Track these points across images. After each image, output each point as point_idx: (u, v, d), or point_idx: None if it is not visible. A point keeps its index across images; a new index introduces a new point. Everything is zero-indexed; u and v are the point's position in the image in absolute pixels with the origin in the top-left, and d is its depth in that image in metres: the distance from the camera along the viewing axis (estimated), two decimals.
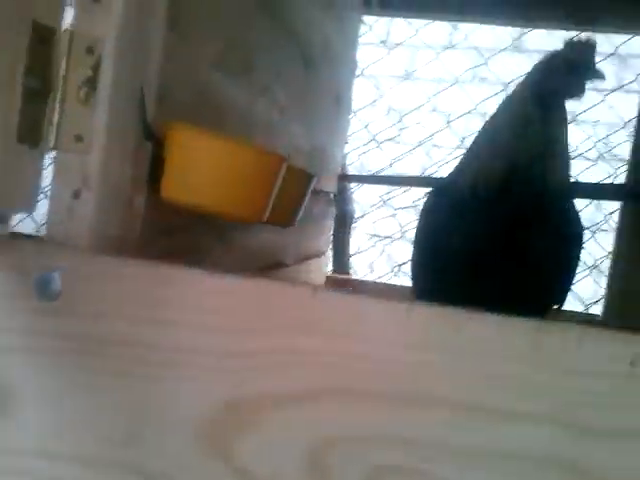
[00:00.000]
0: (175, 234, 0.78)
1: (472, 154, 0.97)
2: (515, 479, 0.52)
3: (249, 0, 0.89)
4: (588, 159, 1.95)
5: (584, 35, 0.91)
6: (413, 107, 2.08)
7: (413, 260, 1.06)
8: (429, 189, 1.07)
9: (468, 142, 2.14)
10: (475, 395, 0.52)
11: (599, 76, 0.88)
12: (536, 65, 0.95)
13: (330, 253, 2.05)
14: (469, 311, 0.53)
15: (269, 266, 1.33)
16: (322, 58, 1.38)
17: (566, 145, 0.91)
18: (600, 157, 2.01)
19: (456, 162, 2.09)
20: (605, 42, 1.97)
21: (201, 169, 0.63)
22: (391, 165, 2.09)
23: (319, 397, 0.55)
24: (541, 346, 0.52)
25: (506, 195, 0.87)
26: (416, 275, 1.04)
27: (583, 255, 1.68)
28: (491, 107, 2.13)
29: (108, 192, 0.62)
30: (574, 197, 0.98)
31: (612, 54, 1.92)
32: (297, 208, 0.86)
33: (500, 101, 0.99)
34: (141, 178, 0.65)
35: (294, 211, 0.86)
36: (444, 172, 2.14)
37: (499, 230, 0.88)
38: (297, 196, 0.86)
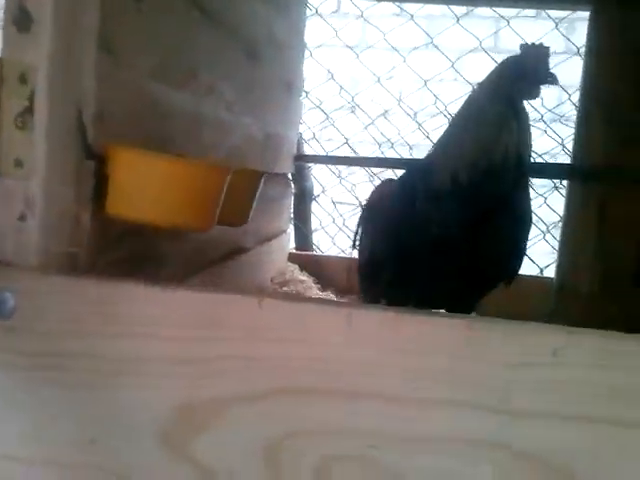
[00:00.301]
0: (129, 240, 0.80)
1: (440, 150, 1.01)
2: (454, 461, 0.57)
3: (189, 7, 0.89)
4: (538, 128, 2.00)
5: (538, 42, 0.96)
6: (366, 84, 2.10)
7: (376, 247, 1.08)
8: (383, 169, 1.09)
9: (420, 117, 2.18)
10: (414, 388, 0.56)
11: (552, 82, 0.93)
12: (496, 68, 0.99)
13: (292, 230, 2.08)
14: (405, 312, 0.57)
15: (230, 252, 1.36)
16: (268, 48, 1.39)
17: (530, 141, 0.96)
18: (548, 127, 2.05)
19: (409, 137, 2.12)
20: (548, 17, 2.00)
21: (145, 188, 0.65)
22: (347, 141, 2.11)
23: (270, 397, 0.58)
24: (472, 341, 0.56)
25: (477, 186, 0.93)
26: (380, 259, 1.07)
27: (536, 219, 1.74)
28: (442, 89, 2.16)
29: (53, 213, 0.63)
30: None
31: (556, 26, 1.96)
32: (248, 208, 0.88)
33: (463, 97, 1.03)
34: (85, 196, 0.66)
35: (245, 211, 0.88)
36: (398, 147, 2.18)
37: (468, 217, 0.94)
38: (247, 196, 0.88)
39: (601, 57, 1.73)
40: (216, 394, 0.58)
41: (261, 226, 1.54)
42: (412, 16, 1.91)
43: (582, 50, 1.84)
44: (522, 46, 0.96)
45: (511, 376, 0.55)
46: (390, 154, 2.17)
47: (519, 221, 1.02)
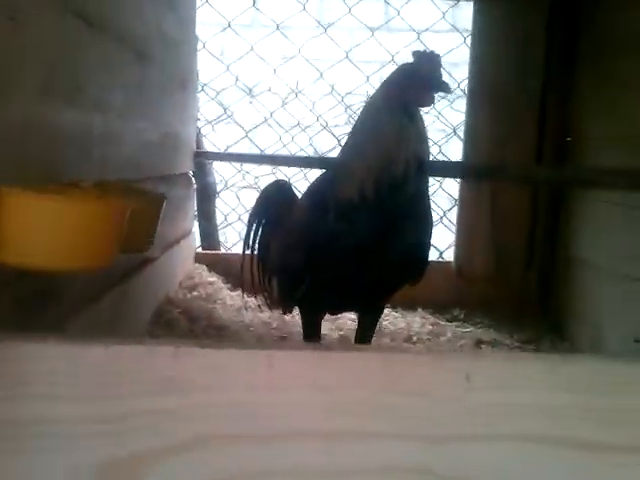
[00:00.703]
0: (27, 276, 0.74)
1: (344, 162, 1.00)
2: None
3: (70, 17, 0.83)
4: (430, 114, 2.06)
5: (429, 49, 0.97)
6: (264, 70, 2.05)
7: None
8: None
9: (318, 108, 2.17)
10: (336, 423, 0.57)
11: (445, 89, 0.94)
12: (391, 76, 0.99)
13: (196, 228, 2.03)
14: (322, 351, 0.57)
15: (138, 265, 1.30)
16: (159, 47, 1.33)
17: (427, 145, 0.98)
18: (440, 114, 2.12)
19: (308, 130, 2.11)
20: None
21: (36, 231, 0.60)
22: (246, 135, 2.07)
23: (195, 447, 0.56)
24: (388, 373, 0.57)
25: (382, 198, 0.94)
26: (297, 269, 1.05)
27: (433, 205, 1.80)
28: (338, 76, 2.16)
29: None
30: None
31: (444, 16, 2.01)
32: (151, 234, 0.84)
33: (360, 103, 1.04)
34: None
35: (148, 237, 0.84)
36: (298, 140, 2.15)
37: (376, 229, 0.95)
38: (150, 222, 0.84)
39: (486, 45, 1.81)
40: (138, 450, 0.56)
41: (167, 232, 1.49)
42: (304, 7, 1.89)
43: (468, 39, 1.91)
44: (415, 54, 0.97)
45: (428, 403, 0.57)
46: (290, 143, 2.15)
47: (422, 223, 1.04)
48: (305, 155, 2.00)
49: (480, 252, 1.87)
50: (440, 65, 0.95)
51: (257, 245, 1.24)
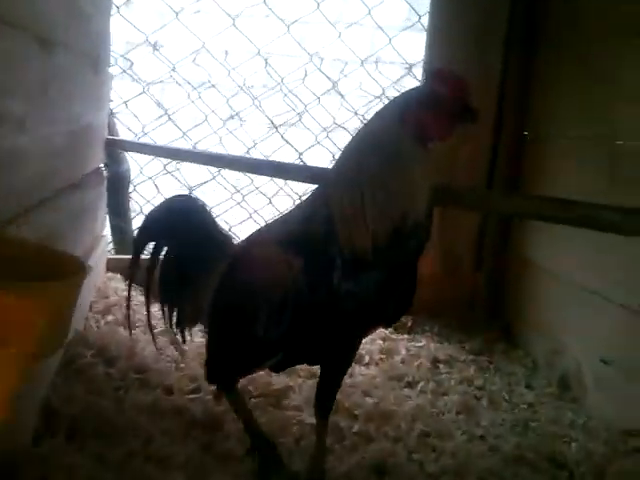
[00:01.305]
0: None
1: (346, 204, 0.79)
2: None
3: None
4: None
5: (448, 68, 0.76)
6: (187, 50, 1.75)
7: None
8: None
9: (249, 83, 1.88)
10: None
11: (473, 119, 0.74)
12: (403, 100, 0.79)
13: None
14: None
15: None
16: (67, 27, 1.02)
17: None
18: None
19: (238, 106, 1.83)
20: None
21: None
22: (168, 115, 1.77)
23: None
24: None
25: (395, 246, 0.79)
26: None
27: None
28: (274, 49, 1.88)
29: None
30: None
31: None
32: (67, 328, 0.60)
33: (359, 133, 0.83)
34: None
35: (63, 333, 0.59)
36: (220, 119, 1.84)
37: (388, 282, 0.82)
38: (66, 315, 0.58)
39: (444, 18, 1.62)
40: None
41: (75, 247, 1.21)
42: None
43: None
44: (429, 72, 0.77)
45: None
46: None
47: (416, 269, 0.89)
48: (245, 155, 1.74)
49: (426, 252, 1.74)
50: (466, 88, 0.75)
51: (162, 282, 0.99)
